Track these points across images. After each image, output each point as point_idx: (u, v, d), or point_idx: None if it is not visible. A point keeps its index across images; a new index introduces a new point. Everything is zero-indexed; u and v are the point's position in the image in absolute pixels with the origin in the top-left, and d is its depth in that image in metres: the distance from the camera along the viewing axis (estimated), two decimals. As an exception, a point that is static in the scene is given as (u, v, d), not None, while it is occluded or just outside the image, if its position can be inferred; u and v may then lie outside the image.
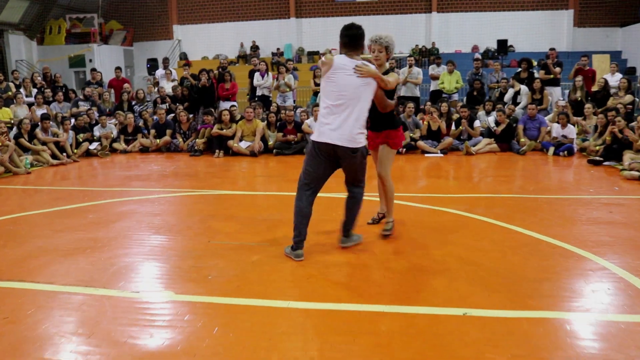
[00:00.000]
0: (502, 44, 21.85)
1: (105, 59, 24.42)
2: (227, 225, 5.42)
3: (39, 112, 11.57)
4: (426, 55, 24.96)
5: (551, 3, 25.37)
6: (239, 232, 5.15)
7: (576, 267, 4.08)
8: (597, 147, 9.35)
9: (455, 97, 13.34)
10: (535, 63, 14.11)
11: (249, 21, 26.33)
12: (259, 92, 13.16)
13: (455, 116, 10.92)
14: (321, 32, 25.66)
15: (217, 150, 10.32)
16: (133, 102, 12.92)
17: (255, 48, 25.83)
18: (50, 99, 12.71)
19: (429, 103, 11.93)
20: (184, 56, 26.54)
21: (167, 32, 26.98)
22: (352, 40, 4.36)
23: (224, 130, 10.45)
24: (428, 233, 5.06)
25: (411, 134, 10.57)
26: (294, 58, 25.00)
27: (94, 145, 10.83)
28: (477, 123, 10.70)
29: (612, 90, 11.92)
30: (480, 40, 25.56)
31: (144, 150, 11.08)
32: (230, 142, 10.31)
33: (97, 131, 11.24)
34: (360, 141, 4.24)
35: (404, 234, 5.06)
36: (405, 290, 3.68)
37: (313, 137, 4.33)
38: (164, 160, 10.11)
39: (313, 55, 25.30)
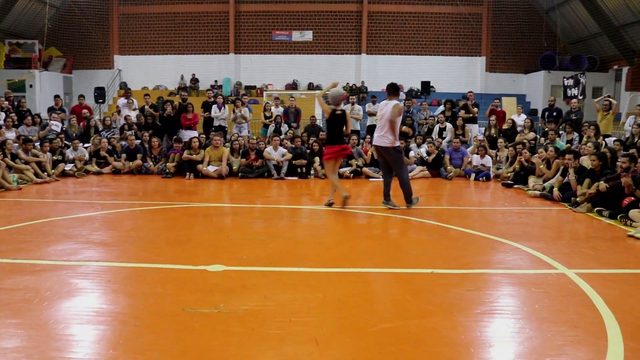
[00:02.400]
0: (426, 85, 24.48)
1: (45, 85, 24.76)
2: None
3: (9, 134, 12.35)
4: (356, 93, 27.17)
5: (467, 50, 28.45)
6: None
7: (498, 247, 5.85)
8: (508, 174, 11.51)
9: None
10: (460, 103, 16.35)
11: (189, 55, 27.61)
12: (216, 123, 14.53)
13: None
14: (259, 68, 27.37)
15: (187, 173, 11.59)
16: (100, 128, 13.91)
17: (195, 81, 27.10)
18: (17, 122, 13.46)
19: (368, 136, 13.80)
20: (124, 86, 27.27)
21: (108, 61, 27.73)
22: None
23: (194, 155, 11.75)
24: (391, 231, 6.71)
25: (356, 162, 12.30)
26: (232, 92, 26.49)
27: (69, 167, 11.76)
28: (411, 153, 12.64)
29: (519, 128, 14.31)
30: (405, 80, 28.08)
31: (117, 172, 12.14)
32: (200, 166, 11.62)
33: (70, 154, 12.17)
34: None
35: (382, 233, 6.69)
36: (393, 256, 5.27)
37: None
38: (141, 181, 11.26)
39: (250, 89, 26.86)
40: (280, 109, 15.82)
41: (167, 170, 11.86)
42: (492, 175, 12.04)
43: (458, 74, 28.20)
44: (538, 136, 14.41)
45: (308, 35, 27.31)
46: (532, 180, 10.37)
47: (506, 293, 4.48)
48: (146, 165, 12.28)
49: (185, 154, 11.80)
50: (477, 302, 4.19)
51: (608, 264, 5.38)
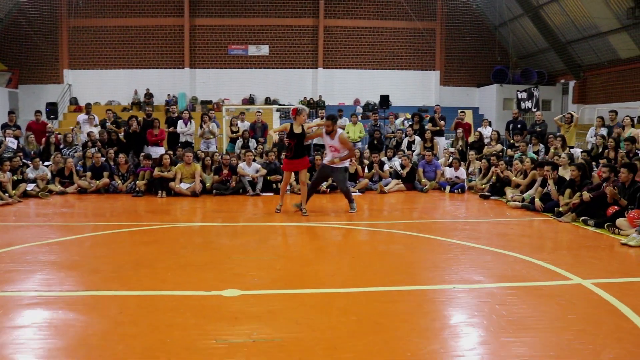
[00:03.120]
0: (384, 99, 24.66)
1: (-11, 100, 23.56)
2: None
3: (-38, 154, 11.60)
4: (314, 107, 27.17)
5: (422, 64, 28.98)
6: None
7: (505, 259, 5.83)
8: (483, 185, 11.68)
9: (359, 145, 15.32)
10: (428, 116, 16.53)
11: (143, 69, 26.90)
12: (182, 139, 14.14)
13: (365, 162, 12.80)
14: (214, 83, 26.96)
15: (160, 191, 11.16)
16: (61, 146, 13.26)
17: (149, 96, 26.40)
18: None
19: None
20: (74, 101, 26.34)
21: (57, 76, 26.63)
22: None
23: (166, 173, 11.34)
24: (395, 247, 6.62)
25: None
26: (188, 107, 25.94)
27: (31, 187, 11.11)
28: (386, 167, 12.65)
29: (486, 141, 14.58)
30: (361, 94, 28.35)
31: (82, 191, 11.55)
32: (172, 184, 11.21)
33: (30, 173, 11.51)
34: None
35: (387, 249, 6.57)
36: (408, 273, 5.15)
37: None
38: (111, 200, 10.74)
39: (206, 104, 26.38)
40: (247, 124, 15.57)
41: (137, 189, 11.38)
42: (466, 187, 12.16)
43: (413, 87, 28.67)
44: (505, 148, 14.73)
45: (264, 50, 27.14)
46: (509, 191, 10.53)
47: (535, 306, 4.43)
48: (114, 183, 11.76)
49: (157, 172, 11.36)
50: (514, 316, 4.12)
51: (617, 273, 5.45)
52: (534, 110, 21.50)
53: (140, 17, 26.47)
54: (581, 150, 12.55)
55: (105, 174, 11.78)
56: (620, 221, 7.46)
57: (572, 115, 13.65)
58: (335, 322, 4.01)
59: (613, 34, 21.89)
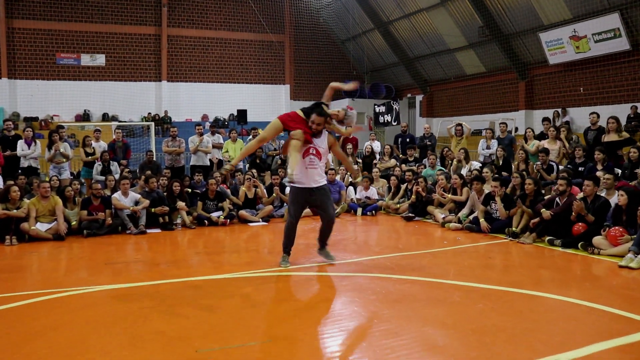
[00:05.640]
0: (242, 114, 23.06)
1: None
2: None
3: None
4: (159, 124, 24.57)
5: (271, 78, 27.95)
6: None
7: (544, 303, 4.69)
8: (398, 205, 10.69)
9: (240, 164, 13.53)
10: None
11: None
12: (24, 163, 11.13)
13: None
14: (41, 96, 22.98)
15: (8, 237, 8.27)
16: None
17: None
18: None
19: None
20: None
21: None
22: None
23: (14, 211, 8.47)
24: (417, 304, 5.13)
25: (228, 204, 10.26)
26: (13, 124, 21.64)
27: None
28: (287, 190, 11.05)
29: (378, 156, 13.76)
30: (210, 109, 26.41)
31: None
32: (25, 225, 8.41)
33: None
34: None
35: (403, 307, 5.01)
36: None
37: None
38: None
39: (31, 121, 22.30)
40: (103, 144, 12.88)
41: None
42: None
43: (263, 102, 27.48)
44: (398, 162, 14.03)
45: (100, 60, 23.86)
46: (438, 211, 9.64)
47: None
48: None
49: (0, 210, 8.45)
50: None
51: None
52: (394, 123, 21.54)
53: None
54: (481, 163, 12.23)
55: None
56: (598, 240, 6.84)
57: (462, 127, 13.40)
58: None
59: (460, 51, 22.91)
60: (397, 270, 6.06)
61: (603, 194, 7.72)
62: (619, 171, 9.27)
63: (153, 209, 9.59)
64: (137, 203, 9.53)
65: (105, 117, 23.86)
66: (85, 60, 23.60)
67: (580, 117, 17.98)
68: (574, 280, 5.79)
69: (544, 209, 7.61)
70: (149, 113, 24.94)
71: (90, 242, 8.47)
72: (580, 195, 7.68)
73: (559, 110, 19.01)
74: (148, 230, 9.27)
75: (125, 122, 23.40)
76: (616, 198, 7.51)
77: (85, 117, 23.58)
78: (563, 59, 18.61)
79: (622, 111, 16.19)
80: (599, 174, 8.29)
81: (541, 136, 11.97)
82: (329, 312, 4.76)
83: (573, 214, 7.32)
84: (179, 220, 9.75)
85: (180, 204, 9.88)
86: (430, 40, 23.77)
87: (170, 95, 25.81)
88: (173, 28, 25.34)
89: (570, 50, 18.16)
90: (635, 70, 16.91)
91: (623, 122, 13.95)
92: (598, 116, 11.01)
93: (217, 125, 25.27)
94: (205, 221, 9.84)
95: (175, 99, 25.83)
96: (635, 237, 6.33)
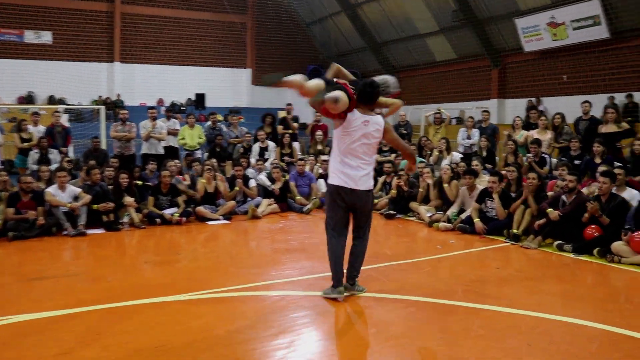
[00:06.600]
0: (200, 98, 21.60)
1: None
2: None
3: None
4: (111, 108, 22.82)
5: (232, 62, 26.48)
6: None
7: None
8: (376, 201, 9.61)
9: (198, 153, 12.21)
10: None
11: None
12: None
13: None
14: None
15: None
16: None
17: None
18: None
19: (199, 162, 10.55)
20: None
21: None
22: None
23: None
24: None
25: (183, 199, 8.96)
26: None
27: None
28: (252, 183, 9.83)
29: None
30: (166, 93, 24.81)
31: None
32: None
33: None
34: None
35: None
36: None
37: None
38: None
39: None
40: (42, 128, 11.35)
41: None
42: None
43: (223, 86, 26.02)
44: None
45: (46, 37, 21.86)
46: (423, 209, 8.58)
47: None
48: None
49: None
50: None
51: None
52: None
53: None
54: (461, 154, 11.25)
55: None
56: (618, 246, 5.90)
57: (441, 115, 12.41)
58: None
59: (431, 36, 21.96)
60: (393, 288, 4.94)
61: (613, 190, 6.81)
62: (619, 165, 8.41)
63: (95, 206, 8.20)
64: (76, 199, 8.13)
65: (52, 100, 21.95)
66: (30, 37, 21.57)
67: (555, 107, 17.29)
68: (607, 300, 4.79)
69: (550, 209, 6.64)
70: (100, 96, 23.23)
71: (16, 247, 7.05)
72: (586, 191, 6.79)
73: (533, 99, 18.29)
74: (89, 231, 7.89)
75: (73, 105, 21.60)
76: (629, 195, 6.66)
77: (29, 99, 21.63)
78: (539, 46, 17.85)
79: (600, 101, 15.53)
80: (600, 168, 7.39)
81: (528, 126, 11.09)
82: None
83: (586, 215, 6.38)
84: (126, 219, 8.38)
85: (128, 199, 8.52)
86: (400, 25, 22.72)
87: (124, 77, 24.06)
88: (127, 5, 23.53)
89: (547, 38, 17.40)
90: (613, 59, 16.26)
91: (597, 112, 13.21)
92: (590, 105, 10.19)
93: (174, 110, 23.66)
94: (157, 219, 8.53)
95: (128, 81, 24.09)
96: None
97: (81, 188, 8.41)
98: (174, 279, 5.41)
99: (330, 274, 4.59)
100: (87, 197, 8.16)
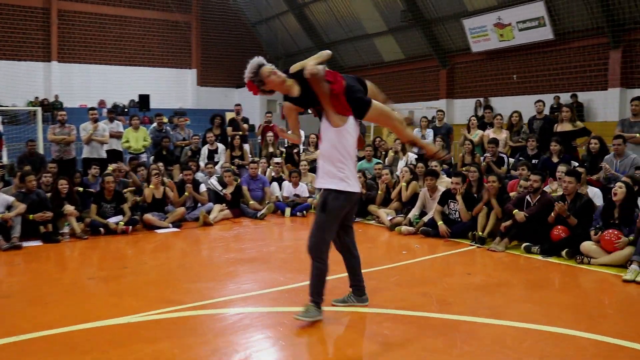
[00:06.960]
0: (144, 99, 20.75)
1: None
2: None
3: None
4: (49, 110, 21.61)
5: (177, 62, 25.71)
6: None
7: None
8: (333, 204, 9.27)
9: (143, 157, 11.54)
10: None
11: None
12: None
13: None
14: None
15: None
16: None
17: None
18: None
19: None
20: None
21: None
22: None
23: None
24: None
25: (128, 205, 8.36)
26: None
27: None
28: (202, 187, 9.30)
29: (302, 147, 12.29)
30: (107, 94, 23.76)
31: None
32: None
33: None
34: None
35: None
36: None
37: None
38: None
39: None
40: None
41: None
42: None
43: (168, 87, 25.22)
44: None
45: (-24, 34, 20.49)
46: (382, 212, 8.31)
47: None
48: None
49: None
50: None
51: None
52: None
53: None
54: (416, 154, 11.07)
55: None
56: (587, 246, 5.79)
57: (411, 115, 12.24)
58: None
59: (379, 36, 21.91)
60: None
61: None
62: (577, 164, 8.41)
63: (31, 216, 7.50)
64: (9, 208, 7.40)
65: (-18, 102, 20.59)
66: (-43, 33, 20.19)
67: (502, 107, 17.48)
68: (588, 305, 4.60)
69: (516, 210, 6.48)
70: (37, 97, 21.98)
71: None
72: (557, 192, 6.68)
73: (481, 99, 18.46)
74: (24, 244, 7.20)
75: (7, 107, 20.30)
76: (591, 194, 6.60)
77: (-44, 101, 20.21)
78: (486, 47, 18.03)
79: (545, 101, 15.80)
80: (560, 167, 7.31)
81: (482, 126, 11.03)
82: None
83: (552, 215, 6.24)
84: (66, 229, 7.69)
85: (69, 207, 7.84)
86: (348, 25, 22.56)
87: (62, 77, 22.86)
88: (64, 2, 22.38)
89: (494, 38, 17.59)
90: (558, 60, 16.58)
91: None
92: (544, 104, 10.23)
93: (116, 112, 22.63)
94: (101, 229, 7.90)
95: (67, 81, 22.91)
96: (637, 243, 5.31)
97: (14, 196, 7.68)
98: (122, 297, 4.88)
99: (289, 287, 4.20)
100: (22, 207, 7.44)
